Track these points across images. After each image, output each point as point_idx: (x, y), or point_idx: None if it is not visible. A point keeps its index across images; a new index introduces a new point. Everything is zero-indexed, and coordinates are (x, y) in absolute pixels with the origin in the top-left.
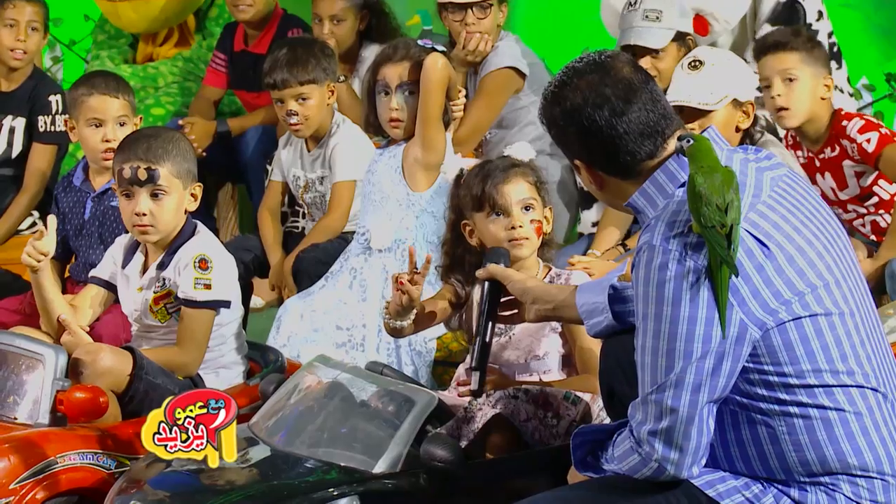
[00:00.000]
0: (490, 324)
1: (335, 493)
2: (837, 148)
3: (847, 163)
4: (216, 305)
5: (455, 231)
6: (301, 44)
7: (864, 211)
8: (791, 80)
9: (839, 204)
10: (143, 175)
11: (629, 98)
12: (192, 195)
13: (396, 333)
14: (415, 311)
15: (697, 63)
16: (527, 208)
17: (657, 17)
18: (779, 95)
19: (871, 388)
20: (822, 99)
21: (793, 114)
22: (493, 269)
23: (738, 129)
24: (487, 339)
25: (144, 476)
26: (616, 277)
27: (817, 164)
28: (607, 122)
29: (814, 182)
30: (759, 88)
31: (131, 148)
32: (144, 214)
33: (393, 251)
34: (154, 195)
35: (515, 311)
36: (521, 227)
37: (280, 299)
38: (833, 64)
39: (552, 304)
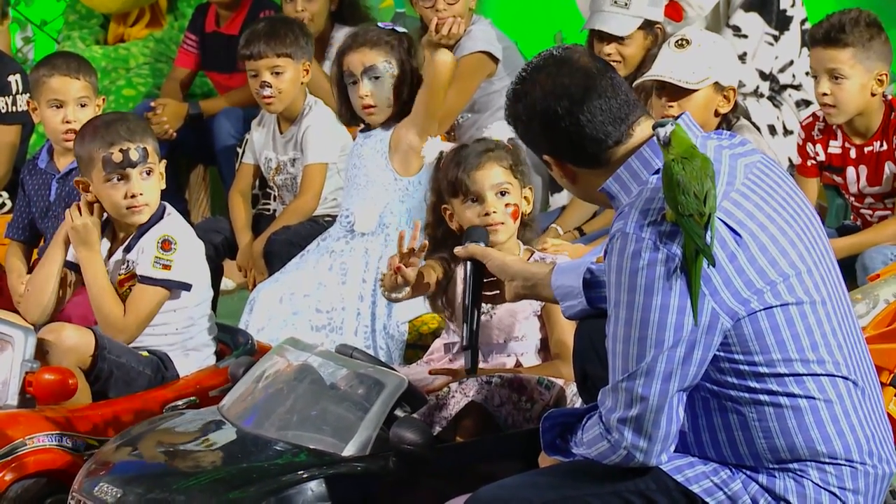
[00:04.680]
0: (476, 303)
1: (304, 476)
2: (886, 144)
3: (890, 163)
4: (171, 286)
5: (436, 214)
6: (280, 20)
7: (881, 206)
8: (839, 78)
9: (858, 196)
10: (134, 156)
11: (588, 86)
12: (160, 173)
13: (394, 301)
14: (408, 288)
15: (684, 42)
16: (502, 193)
17: (626, 4)
18: (824, 94)
19: (842, 377)
20: (873, 95)
21: (839, 112)
22: (473, 249)
23: (717, 114)
24: (475, 319)
25: (113, 458)
26: (594, 259)
27: (853, 155)
28: (568, 111)
29: (842, 172)
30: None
31: (108, 132)
32: (142, 194)
33: (377, 235)
34: (147, 173)
35: (498, 291)
36: (494, 212)
37: (252, 282)
38: (804, 50)
39: (531, 281)
